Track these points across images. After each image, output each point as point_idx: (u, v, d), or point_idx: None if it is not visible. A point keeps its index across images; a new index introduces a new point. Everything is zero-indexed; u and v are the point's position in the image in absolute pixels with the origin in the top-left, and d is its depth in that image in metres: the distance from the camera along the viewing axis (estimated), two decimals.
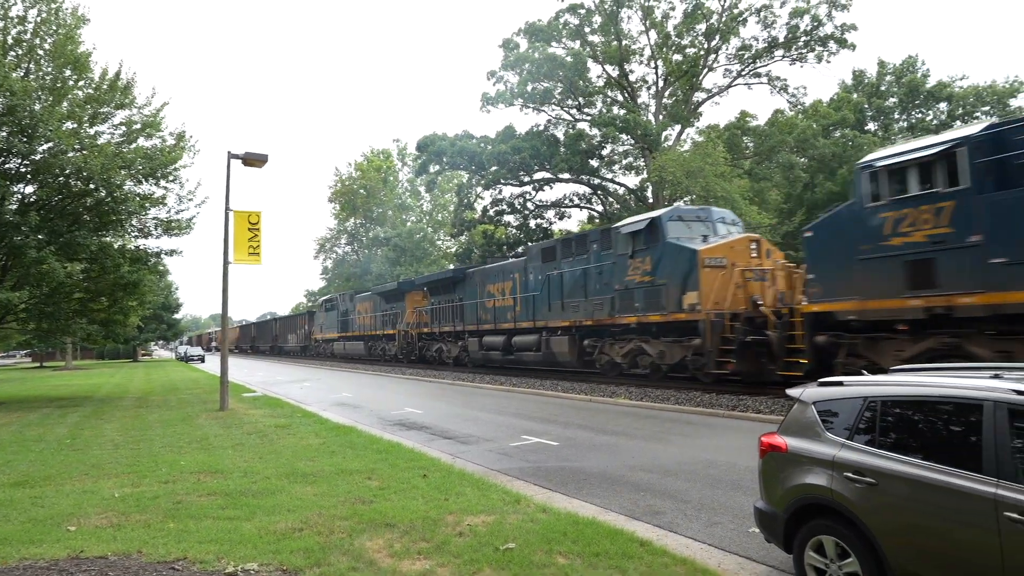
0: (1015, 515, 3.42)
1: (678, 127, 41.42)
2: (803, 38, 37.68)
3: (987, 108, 41.51)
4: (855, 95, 44.90)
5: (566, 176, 41.29)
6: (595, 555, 5.20)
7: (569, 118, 41.59)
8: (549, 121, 41.31)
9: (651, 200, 39.07)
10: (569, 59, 38.86)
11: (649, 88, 42.60)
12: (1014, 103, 41.00)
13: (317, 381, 27.87)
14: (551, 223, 44.81)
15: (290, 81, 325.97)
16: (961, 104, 42.41)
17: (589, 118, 40.00)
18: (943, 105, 43.40)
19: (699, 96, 41.85)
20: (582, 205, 44.68)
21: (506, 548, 5.36)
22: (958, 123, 41.38)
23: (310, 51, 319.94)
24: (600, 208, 44.21)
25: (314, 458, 9.55)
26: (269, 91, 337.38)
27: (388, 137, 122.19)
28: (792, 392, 5.07)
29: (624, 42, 40.46)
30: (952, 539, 3.76)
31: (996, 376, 4.16)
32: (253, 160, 16.99)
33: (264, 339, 72.74)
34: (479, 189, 44.03)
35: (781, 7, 37.52)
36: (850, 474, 4.29)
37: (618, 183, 43.60)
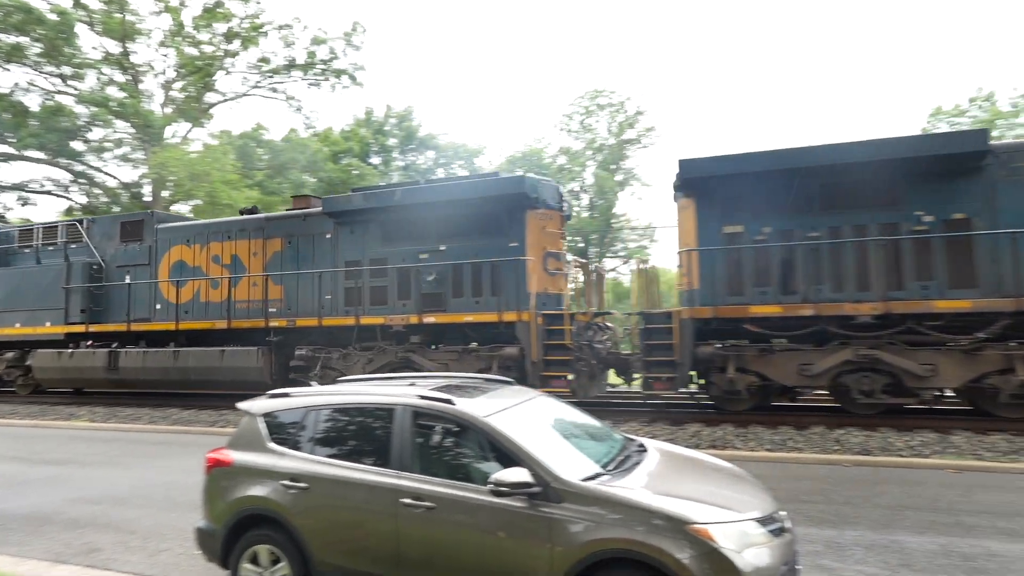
0: (408, 500, 4.05)
1: (188, 125, 38.63)
2: (320, 66, 39.61)
3: (462, 161, 50.44)
4: (364, 130, 49.14)
5: (38, 155, 34.20)
6: None
7: (49, 87, 34.63)
8: (17, 85, 33.67)
9: (149, 198, 35.35)
10: (54, 16, 32.52)
11: (157, 76, 38.65)
12: (478, 161, 50.71)
13: None
14: (8, 209, 36.34)
15: None
16: (444, 154, 50.52)
17: (76, 93, 34.06)
18: (431, 152, 50.99)
19: (213, 97, 39.86)
20: (57, 193, 37.47)
21: None
22: (440, 170, 49.20)
23: None
24: (84, 199, 37.82)
25: None
26: None
27: None
28: (241, 405, 5.06)
29: (129, 17, 35.89)
30: (364, 528, 4.23)
31: (412, 384, 4.93)
32: None
33: None
34: None
35: (303, 31, 38.81)
36: (287, 481, 4.46)
37: (109, 173, 38.05)
